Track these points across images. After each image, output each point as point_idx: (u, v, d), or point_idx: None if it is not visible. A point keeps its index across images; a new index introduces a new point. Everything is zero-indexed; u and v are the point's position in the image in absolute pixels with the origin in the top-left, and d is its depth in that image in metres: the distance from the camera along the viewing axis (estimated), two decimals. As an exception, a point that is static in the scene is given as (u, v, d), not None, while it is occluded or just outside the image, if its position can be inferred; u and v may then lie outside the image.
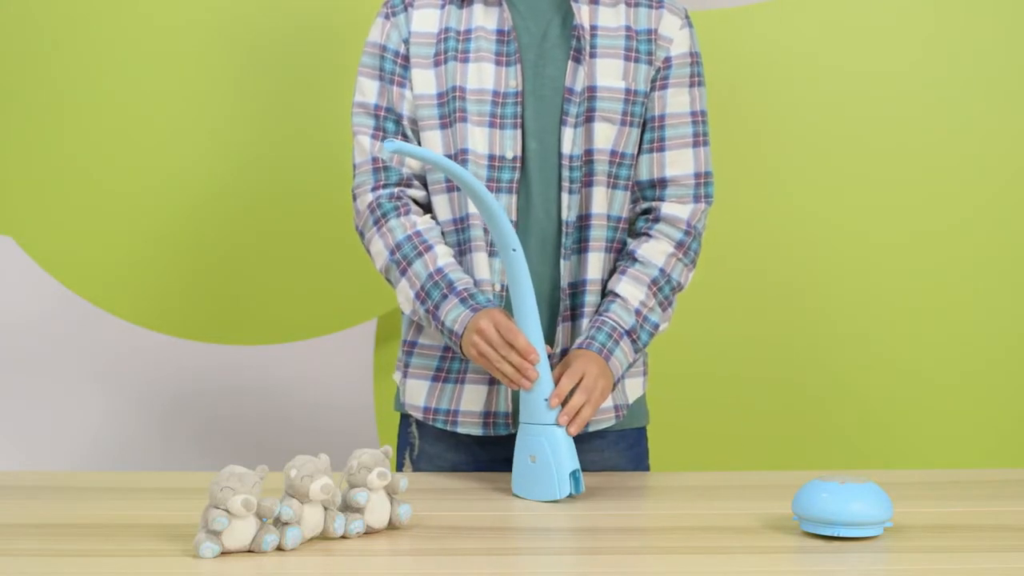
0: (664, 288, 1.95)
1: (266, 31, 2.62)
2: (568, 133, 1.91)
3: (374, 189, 1.94)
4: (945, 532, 1.61)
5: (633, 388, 2.02)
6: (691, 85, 1.99)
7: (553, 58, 1.93)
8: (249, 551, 1.47)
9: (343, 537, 1.54)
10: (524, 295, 1.78)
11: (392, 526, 1.57)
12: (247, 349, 2.69)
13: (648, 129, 1.98)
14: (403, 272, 1.90)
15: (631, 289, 1.92)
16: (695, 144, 1.99)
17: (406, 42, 1.95)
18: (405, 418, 2.06)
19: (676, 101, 1.98)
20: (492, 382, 1.93)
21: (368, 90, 1.96)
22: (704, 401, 2.70)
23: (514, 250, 1.76)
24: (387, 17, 1.97)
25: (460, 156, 1.92)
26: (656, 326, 1.95)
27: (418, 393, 1.98)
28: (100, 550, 1.50)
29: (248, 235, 2.65)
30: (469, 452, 1.98)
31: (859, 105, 2.68)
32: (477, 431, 1.94)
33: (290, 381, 2.72)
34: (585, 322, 1.94)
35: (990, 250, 2.69)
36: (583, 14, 1.93)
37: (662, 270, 1.95)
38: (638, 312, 1.92)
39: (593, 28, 1.94)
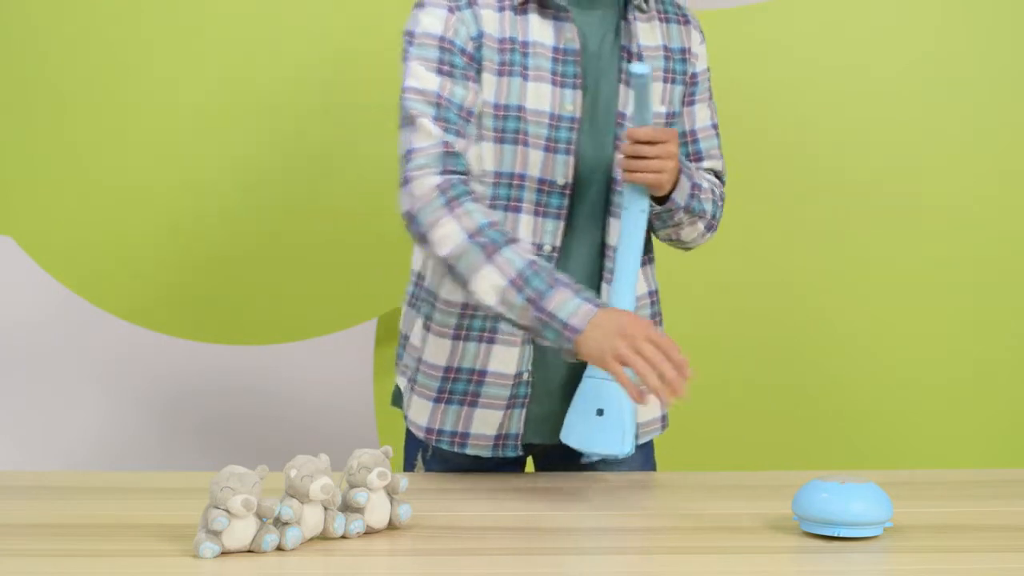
0: (717, 204, 1.97)
1: (266, 30, 2.62)
2: (619, 159, 1.86)
3: (442, 173, 1.79)
4: (945, 532, 1.61)
5: None
6: (709, 98, 2.00)
7: (607, 80, 1.88)
8: (249, 551, 1.47)
9: (343, 537, 1.54)
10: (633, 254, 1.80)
11: (392, 526, 1.57)
12: (247, 349, 2.69)
13: (682, 144, 1.96)
14: (489, 257, 1.73)
15: (703, 173, 1.95)
16: (721, 154, 2.02)
17: (475, 40, 1.83)
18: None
19: (701, 115, 1.99)
20: (509, 407, 1.89)
21: (427, 79, 1.82)
22: (704, 401, 2.69)
23: (642, 211, 1.80)
24: (451, 11, 1.82)
25: (517, 180, 1.85)
26: (703, 212, 1.93)
27: (421, 412, 1.94)
28: (100, 550, 1.50)
29: (248, 235, 2.65)
30: (484, 452, 1.95)
31: (859, 105, 2.68)
32: (487, 453, 1.91)
33: (290, 381, 2.72)
34: None
35: (990, 250, 2.69)
36: (633, 34, 1.88)
37: (720, 192, 1.98)
38: (702, 187, 1.92)
39: (639, 48, 1.89)
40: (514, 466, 1.99)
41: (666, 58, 1.93)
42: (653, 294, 2.00)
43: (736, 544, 1.56)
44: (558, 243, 1.87)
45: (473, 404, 1.90)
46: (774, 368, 2.71)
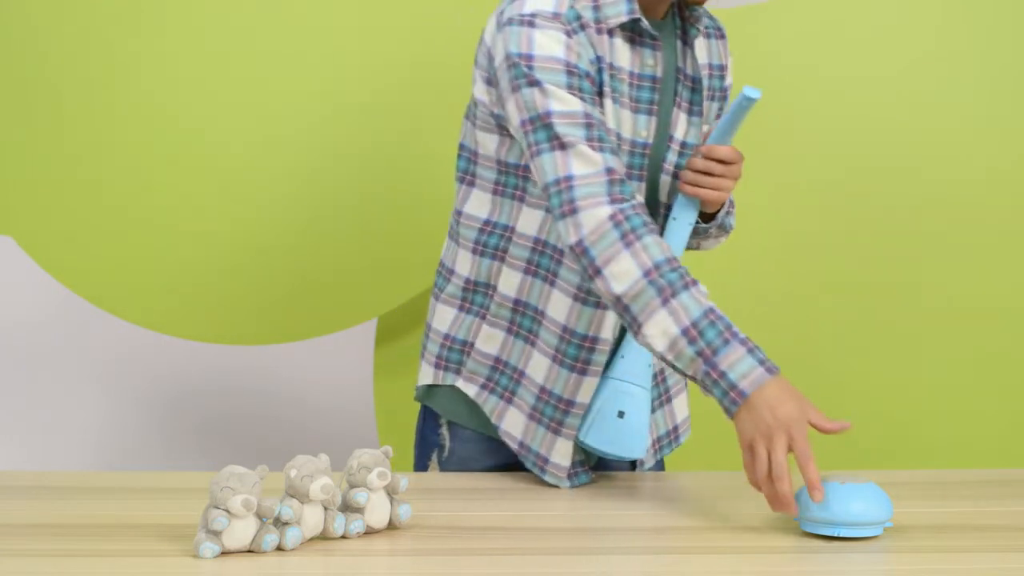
0: (733, 215, 2.01)
1: (266, 30, 2.62)
2: (666, 182, 1.88)
3: (612, 202, 1.71)
4: (945, 532, 1.61)
5: (680, 407, 2.03)
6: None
7: (666, 104, 1.87)
8: (249, 551, 1.47)
9: (343, 537, 1.54)
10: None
11: (392, 526, 1.57)
12: (247, 349, 2.70)
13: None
14: (665, 301, 1.65)
15: None
16: None
17: (593, 63, 1.78)
18: (432, 416, 1.99)
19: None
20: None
21: (570, 101, 1.74)
22: (706, 401, 2.70)
23: (689, 224, 1.83)
24: (568, 34, 1.75)
25: None
26: (731, 227, 2.00)
27: (516, 424, 1.90)
28: (100, 550, 1.50)
29: (248, 235, 2.65)
30: (503, 455, 1.94)
31: (859, 105, 2.68)
32: (565, 484, 1.88)
33: (290, 381, 2.72)
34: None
35: (990, 250, 2.69)
36: (690, 57, 1.87)
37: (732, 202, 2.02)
38: (731, 200, 1.97)
39: (698, 74, 1.88)
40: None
41: (711, 76, 1.92)
42: None
43: (736, 544, 1.56)
44: None
45: (556, 432, 1.88)
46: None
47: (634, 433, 1.78)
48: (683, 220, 1.84)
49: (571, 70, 1.75)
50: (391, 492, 1.57)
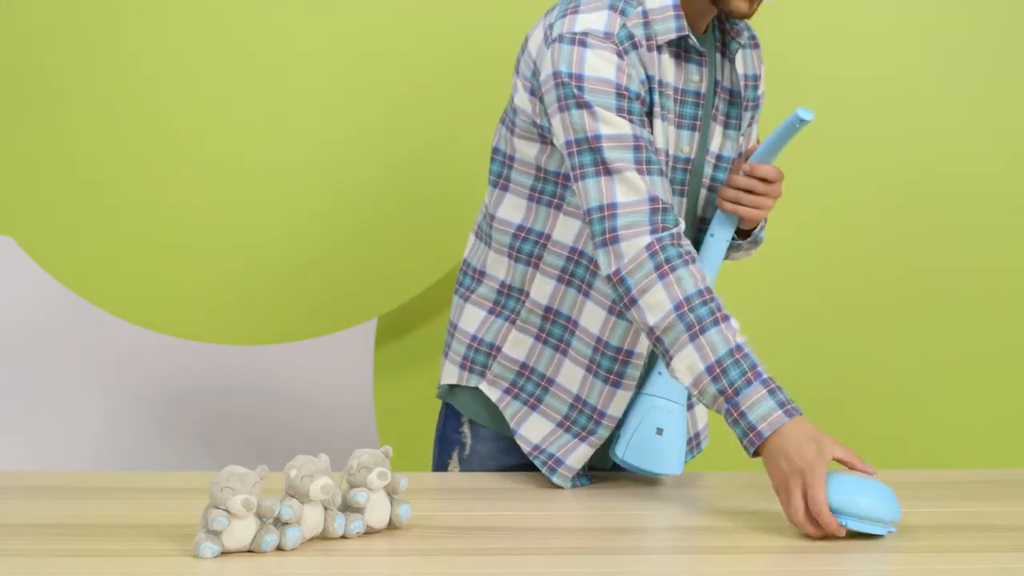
0: (763, 228, 1.99)
1: (267, 29, 2.62)
2: (704, 195, 1.88)
3: (653, 232, 1.71)
4: (945, 532, 1.61)
5: (701, 413, 2.03)
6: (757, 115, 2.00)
7: (707, 119, 1.87)
8: (249, 551, 1.47)
9: (343, 537, 1.54)
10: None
11: (392, 526, 1.58)
12: (247, 349, 2.69)
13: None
14: (693, 337, 1.66)
15: None
16: None
17: (644, 83, 1.77)
18: (454, 415, 1.98)
19: (751, 134, 1.98)
20: (602, 445, 1.89)
21: (618, 123, 1.73)
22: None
23: (726, 240, 1.84)
24: (619, 55, 1.74)
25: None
26: (761, 240, 2.00)
27: (536, 431, 1.90)
28: (100, 550, 1.50)
29: (248, 235, 2.65)
30: (523, 455, 1.93)
31: (858, 105, 2.68)
32: (568, 484, 1.88)
33: (290, 381, 2.72)
34: None
35: (991, 250, 2.69)
36: (727, 71, 1.87)
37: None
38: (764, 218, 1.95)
39: (734, 87, 1.88)
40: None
41: (746, 87, 1.91)
42: None
43: (736, 544, 1.56)
44: None
45: (583, 439, 1.88)
46: (774, 368, 2.71)
47: (672, 450, 1.78)
48: (720, 237, 1.84)
49: (621, 92, 1.74)
50: (391, 492, 1.57)
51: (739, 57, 1.90)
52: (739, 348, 1.66)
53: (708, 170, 1.88)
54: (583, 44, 1.75)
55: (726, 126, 1.88)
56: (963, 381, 2.71)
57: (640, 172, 1.72)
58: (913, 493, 1.81)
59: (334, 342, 2.70)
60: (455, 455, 1.97)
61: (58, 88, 2.61)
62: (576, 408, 1.88)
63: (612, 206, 1.72)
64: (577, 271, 1.85)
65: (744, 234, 1.92)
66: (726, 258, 2.00)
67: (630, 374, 1.85)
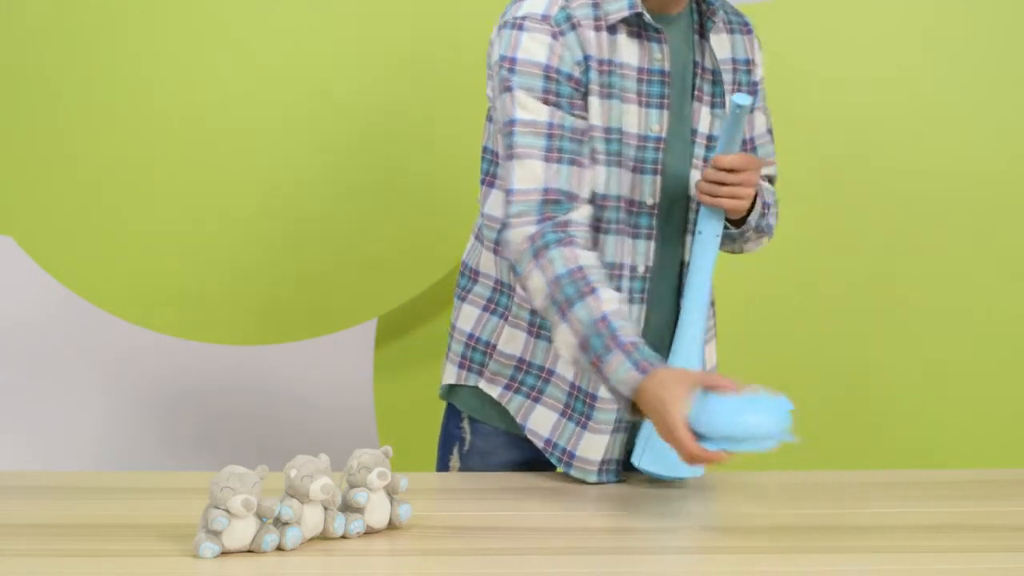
0: (774, 215, 1.97)
1: (267, 29, 2.62)
2: (696, 176, 1.87)
3: (540, 222, 1.75)
4: (945, 532, 1.61)
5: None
6: (764, 104, 2.00)
7: (686, 98, 1.87)
8: (249, 551, 1.47)
9: (343, 537, 1.54)
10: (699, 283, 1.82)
11: (392, 526, 1.58)
12: (247, 349, 2.70)
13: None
14: (563, 315, 1.70)
15: (766, 188, 1.95)
16: (775, 162, 2.02)
17: (580, 64, 1.78)
18: (455, 412, 1.99)
19: (758, 122, 1.98)
20: (614, 431, 1.88)
21: (536, 109, 1.76)
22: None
23: (716, 236, 1.82)
24: (554, 36, 1.77)
25: (626, 204, 1.83)
26: (769, 227, 1.96)
27: (544, 422, 1.90)
28: (100, 550, 1.50)
29: (248, 235, 2.65)
30: (524, 449, 1.94)
31: (858, 105, 2.68)
32: (592, 478, 1.88)
33: (290, 381, 2.72)
34: (710, 346, 1.96)
35: (991, 250, 2.69)
36: (707, 51, 1.87)
37: (776, 201, 1.99)
38: (768, 203, 1.93)
39: (716, 67, 1.88)
40: (550, 467, 1.98)
41: (734, 71, 1.92)
42: (710, 306, 1.97)
43: (736, 544, 1.56)
44: (651, 263, 1.86)
45: (583, 426, 1.88)
46: (774, 369, 2.71)
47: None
48: (708, 232, 1.84)
49: (550, 75, 1.76)
50: (391, 492, 1.57)
51: (724, 40, 1.91)
52: (603, 318, 1.67)
53: (699, 151, 1.88)
54: (520, 28, 1.78)
55: (712, 106, 1.88)
56: (963, 381, 2.70)
57: (547, 160, 1.75)
58: (913, 493, 1.81)
59: (334, 342, 2.70)
60: (455, 450, 1.98)
61: (58, 88, 2.61)
62: (572, 395, 1.88)
63: (509, 192, 1.77)
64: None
65: (739, 223, 1.91)
66: (742, 251, 1.99)
67: None
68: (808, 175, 2.70)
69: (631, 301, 1.85)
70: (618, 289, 1.82)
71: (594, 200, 1.81)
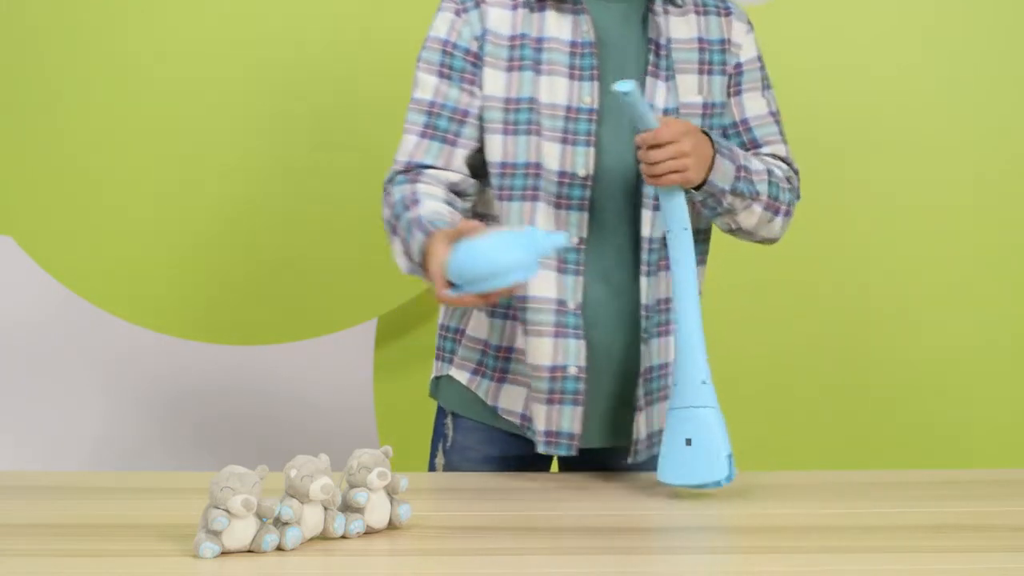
0: (773, 186, 1.92)
1: (267, 30, 2.62)
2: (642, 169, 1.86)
3: (391, 182, 1.89)
4: (945, 532, 1.61)
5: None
6: (764, 88, 1.98)
7: (633, 72, 1.88)
8: (249, 551, 1.47)
9: (343, 537, 1.54)
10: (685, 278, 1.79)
11: (392, 526, 1.57)
12: (247, 349, 2.70)
13: (733, 136, 1.95)
14: (394, 231, 1.81)
15: (752, 156, 1.91)
16: (783, 140, 1.99)
17: (479, 39, 1.88)
18: (441, 410, 2.02)
19: (753, 104, 1.97)
20: (552, 402, 1.89)
21: (427, 86, 1.89)
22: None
23: (684, 229, 1.77)
24: (457, 13, 1.88)
25: (533, 170, 1.86)
26: (756, 194, 1.88)
27: (515, 399, 1.93)
28: (100, 550, 1.50)
29: (248, 235, 2.65)
30: (503, 444, 1.96)
31: (859, 105, 2.68)
32: (541, 449, 1.90)
33: (290, 381, 2.72)
34: (669, 340, 1.92)
35: (992, 250, 2.69)
36: (659, 27, 1.89)
37: (776, 173, 1.94)
38: (750, 167, 1.87)
39: (668, 41, 1.89)
40: (538, 464, 1.99)
41: (701, 50, 1.92)
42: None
43: (734, 544, 1.56)
44: (584, 234, 1.87)
45: (536, 400, 1.90)
46: (774, 369, 2.71)
47: (707, 457, 1.74)
48: (668, 206, 1.79)
49: (447, 49, 1.88)
50: (391, 492, 1.57)
51: (697, 21, 1.92)
52: (417, 220, 1.75)
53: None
54: (439, 8, 1.91)
55: (665, 79, 1.89)
56: (963, 381, 2.71)
57: (422, 136, 1.88)
58: (913, 493, 1.81)
59: (334, 342, 2.70)
60: (440, 447, 2.00)
61: (58, 88, 2.61)
62: (556, 378, 1.89)
63: (394, 160, 1.90)
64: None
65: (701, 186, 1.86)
66: (752, 235, 1.95)
67: (566, 322, 1.88)
68: (807, 174, 2.70)
69: (564, 272, 1.87)
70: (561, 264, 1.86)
71: (493, 169, 1.87)
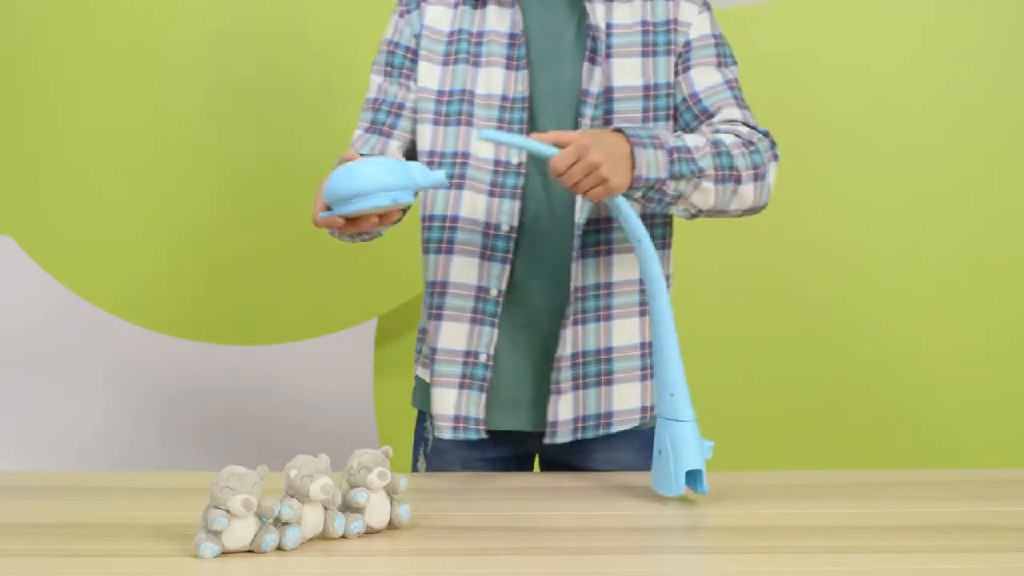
0: (723, 156, 1.82)
1: (268, 33, 2.62)
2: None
3: None
4: (945, 532, 1.61)
5: (624, 396, 1.99)
6: (719, 65, 1.94)
7: (571, 60, 1.92)
8: (249, 551, 1.47)
9: (343, 537, 1.54)
10: (657, 291, 1.75)
11: (392, 526, 1.57)
12: (247, 349, 2.70)
13: (686, 110, 1.93)
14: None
15: (688, 135, 1.84)
16: (739, 106, 1.93)
17: (417, 36, 1.96)
18: (420, 415, 2.06)
19: (703, 78, 1.93)
20: (463, 386, 1.92)
21: (373, 85, 1.99)
22: (705, 401, 2.70)
23: (638, 241, 1.73)
24: (401, 15, 1.98)
25: (461, 159, 1.91)
26: (701, 171, 1.79)
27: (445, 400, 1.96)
28: (100, 550, 1.50)
29: (248, 235, 2.65)
30: (480, 448, 1.97)
31: (857, 105, 2.68)
32: (447, 435, 1.93)
33: (290, 381, 2.72)
34: (612, 325, 1.93)
35: (991, 249, 2.69)
36: (597, 13, 1.91)
37: (723, 142, 1.84)
38: (687, 147, 1.80)
39: (609, 27, 1.91)
40: (519, 463, 2.00)
41: (645, 32, 1.93)
42: (666, 279, 1.96)
43: (733, 544, 1.56)
44: (516, 222, 1.90)
45: (445, 385, 1.95)
46: (775, 369, 2.71)
47: (667, 470, 1.74)
48: (619, 219, 1.76)
49: (391, 48, 1.98)
50: (391, 492, 1.57)
51: (641, 6, 1.93)
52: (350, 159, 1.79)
53: (588, 111, 1.89)
54: (391, 12, 2.01)
55: (593, 62, 1.90)
56: (963, 381, 2.71)
57: (366, 130, 1.98)
58: (913, 493, 1.81)
59: (334, 342, 2.70)
60: (421, 452, 2.03)
61: (58, 88, 2.61)
62: (469, 363, 1.94)
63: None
64: (432, 235, 1.96)
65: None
66: (721, 213, 1.89)
67: (454, 304, 1.93)
68: (807, 174, 2.70)
69: (493, 259, 1.90)
70: (485, 246, 1.90)
71: (422, 159, 1.94)
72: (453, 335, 1.93)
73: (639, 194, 1.79)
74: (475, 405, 1.92)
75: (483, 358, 1.91)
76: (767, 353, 2.71)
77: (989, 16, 2.68)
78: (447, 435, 1.93)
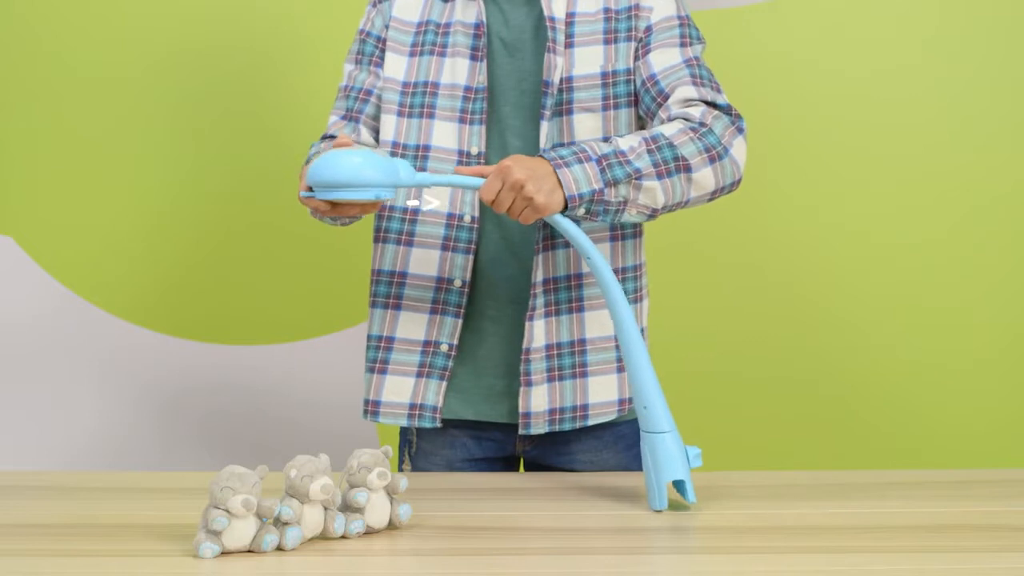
0: (664, 149, 1.78)
1: (263, 34, 2.62)
2: (544, 127, 1.89)
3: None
4: (945, 532, 1.61)
5: (600, 389, 1.99)
6: (681, 45, 1.91)
7: (531, 50, 1.94)
8: (249, 551, 1.47)
9: (343, 537, 1.54)
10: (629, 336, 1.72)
11: (392, 526, 1.57)
12: (247, 349, 2.70)
13: (644, 93, 1.91)
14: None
15: (622, 137, 1.81)
16: (695, 84, 1.89)
17: (387, 27, 1.99)
18: None
19: (661, 59, 1.90)
20: (420, 375, 1.94)
21: (346, 76, 2.02)
22: (703, 401, 2.70)
23: (589, 257, 1.71)
24: (374, 5, 2.02)
25: (422, 151, 1.93)
26: (638, 171, 1.76)
27: (396, 389, 1.99)
28: (100, 550, 1.50)
29: (248, 236, 2.65)
30: (464, 449, 1.98)
31: (857, 105, 2.68)
32: (403, 422, 1.95)
33: (290, 381, 2.72)
34: (584, 316, 1.94)
35: (991, 249, 2.69)
36: (557, 5, 1.93)
37: (663, 134, 1.81)
38: (618, 151, 1.77)
39: (570, 16, 1.93)
40: (504, 466, 2.00)
41: (607, 19, 1.94)
42: (638, 267, 1.97)
43: (732, 544, 1.56)
44: (476, 213, 1.92)
45: (383, 372, 1.96)
46: (775, 369, 2.71)
47: (654, 481, 1.72)
48: (559, 228, 1.75)
49: (363, 37, 2.02)
50: (391, 492, 1.57)
51: None
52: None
53: (549, 101, 1.90)
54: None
55: (553, 52, 1.91)
56: (962, 381, 2.71)
57: (344, 118, 2.00)
58: (913, 493, 1.81)
59: (334, 342, 2.70)
60: (406, 454, 2.03)
61: (58, 89, 2.61)
62: (378, 346, 1.98)
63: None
64: (392, 225, 1.99)
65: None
66: (678, 206, 1.84)
67: (408, 294, 1.97)
68: (806, 174, 2.70)
69: (455, 250, 1.92)
70: (447, 239, 1.92)
71: (384, 148, 1.96)
72: (408, 326, 1.96)
73: (581, 211, 1.76)
74: (433, 394, 1.94)
75: (443, 348, 1.94)
76: (767, 353, 2.71)
77: (990, 16, 2.68)
78: (403, 422, 1.95)
